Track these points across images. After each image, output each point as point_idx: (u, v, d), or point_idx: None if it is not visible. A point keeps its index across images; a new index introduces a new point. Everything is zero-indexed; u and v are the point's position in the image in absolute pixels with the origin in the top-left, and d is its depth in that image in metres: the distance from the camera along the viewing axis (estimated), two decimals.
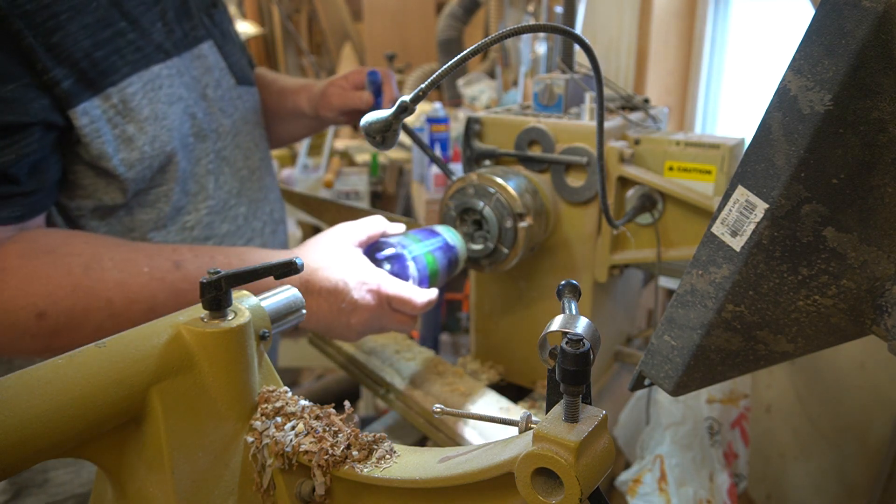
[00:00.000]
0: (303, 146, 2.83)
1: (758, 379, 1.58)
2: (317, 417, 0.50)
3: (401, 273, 0.82)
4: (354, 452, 0.47)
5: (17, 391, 0.38)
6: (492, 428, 0.87)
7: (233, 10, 4.45)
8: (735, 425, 1.14)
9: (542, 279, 1.00)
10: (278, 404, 0.50)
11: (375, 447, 0.48)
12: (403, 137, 0.80)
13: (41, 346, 0.68)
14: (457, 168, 1.88)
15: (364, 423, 1.37)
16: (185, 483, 0.45)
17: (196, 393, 0.46)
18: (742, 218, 0.49)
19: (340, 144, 3.04)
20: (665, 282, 1.18)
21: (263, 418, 0.49)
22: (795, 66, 0.46)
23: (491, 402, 0.94)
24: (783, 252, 0.48)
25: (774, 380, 1.57)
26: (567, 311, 0.43)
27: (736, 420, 1.14)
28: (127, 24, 0.77)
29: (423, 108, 2.30)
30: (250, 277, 0.47)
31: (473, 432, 0.88)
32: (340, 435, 0.48)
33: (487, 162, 0.98)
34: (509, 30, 0.54)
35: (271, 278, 0.50)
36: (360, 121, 0.64)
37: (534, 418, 0.41)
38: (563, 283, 0.46)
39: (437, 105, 2.13)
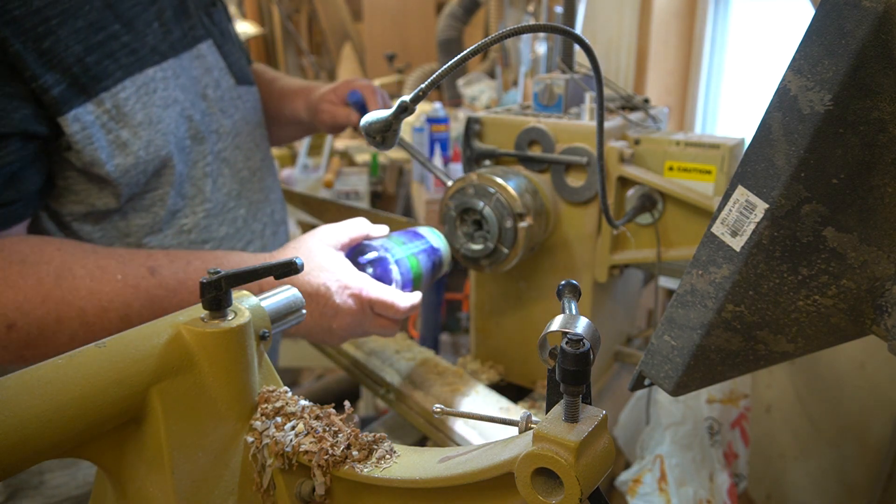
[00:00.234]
0: (303, 146, 2.83)
1: (758, 379, 1.58)
2: (317, 417, 0.50)
3: (383, 277, 0.81)
4: (354, 452, 0.47)
5: (17, 391, 0.38)
6: (492, 428, 0.87)
7: (233, 10, 4.45)
8: (735, 425, 1.14)
9: (542, 279, 1.00)
10: (278, 404, 0.50)
11: (375, 447, 0.48)
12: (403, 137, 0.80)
13: (12, 357, 0.66)
14: (457, 168, 1.88)
15: (364, 423, 1.37)
16: (185, 483, 0.45)
17: (196, 393, 0.46)
18: (742, 218, 0.49)
19: (340, 144, 3.04)
20: (665, 282, 1.18)
21: (263, 418, 0.49)
22: (795, 66, 0.46)
23: (491, 402, 0.94)
24: (783, 252, 0.48)
25: (774, 380, 1.56)
26: (567, 311, 0.43)
27: (736, 420, 1.14)
28: (121, 26, 0.75)
29: (423, 108, 2.29)
30: (250, 277, 0.47)
31: (473, 432, 0.88)
32: (340, 435, 0.48)
33: (487, 162, 0.98)
34: (509, 30, 0.54)
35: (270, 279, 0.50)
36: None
37: (534, 418, 0.41)
38: (563, 283, 0.46)
39: (437, 105, 2.13)
